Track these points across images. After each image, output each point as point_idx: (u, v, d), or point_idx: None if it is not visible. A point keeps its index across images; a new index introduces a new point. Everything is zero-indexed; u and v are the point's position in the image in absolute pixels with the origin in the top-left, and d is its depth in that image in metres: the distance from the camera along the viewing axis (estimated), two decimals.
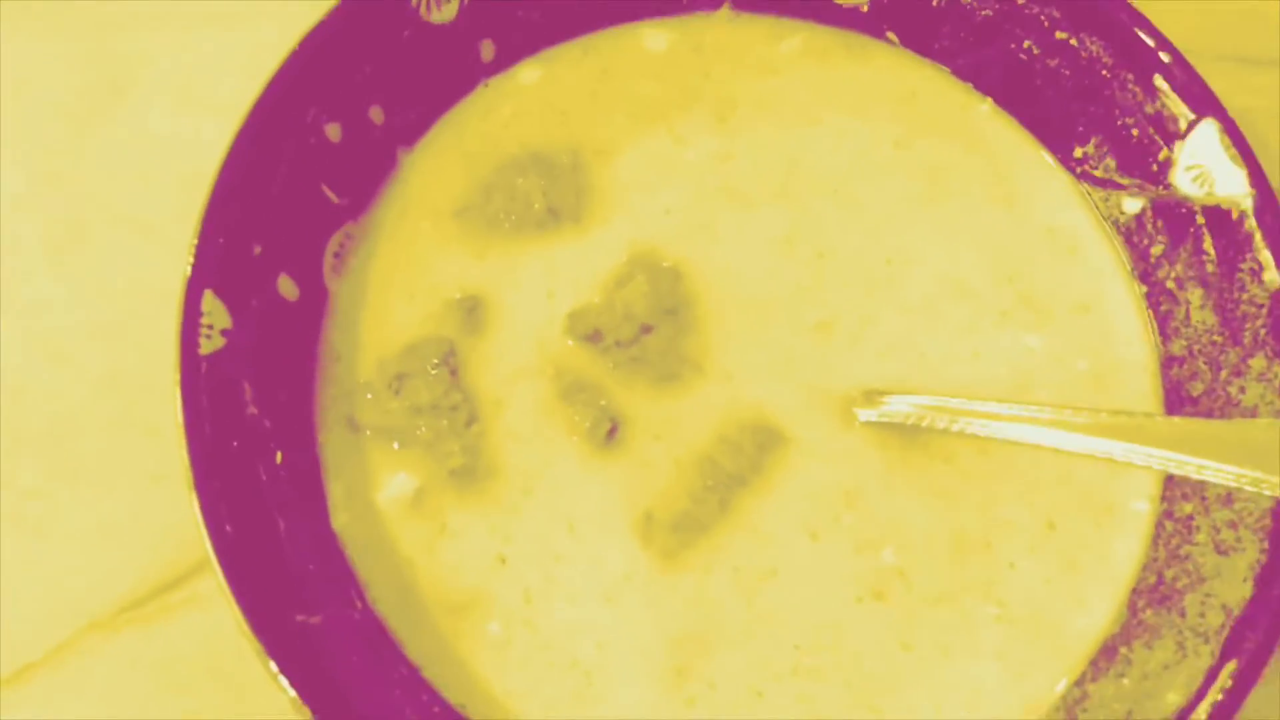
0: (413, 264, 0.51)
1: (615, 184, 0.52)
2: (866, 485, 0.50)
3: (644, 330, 0.49)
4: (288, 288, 0.49)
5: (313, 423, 0.50)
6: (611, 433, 0.48)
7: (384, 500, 0.49)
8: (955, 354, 0.52)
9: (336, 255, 0.52)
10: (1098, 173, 0.54)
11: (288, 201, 0.49)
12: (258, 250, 0.48)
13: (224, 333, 0.46)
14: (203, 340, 0.45)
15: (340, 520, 0.49)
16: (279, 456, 0.47)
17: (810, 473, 0.50)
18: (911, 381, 0.52)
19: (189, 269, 0.45)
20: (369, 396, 0.49)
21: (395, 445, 0.49)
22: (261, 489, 0.45)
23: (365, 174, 0.51)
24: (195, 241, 0.46)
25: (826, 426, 0.50)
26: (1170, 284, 0.51)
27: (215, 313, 0.46)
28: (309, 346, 0.50)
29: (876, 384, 0.51)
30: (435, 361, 0.49)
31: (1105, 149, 0.53)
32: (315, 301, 0.51)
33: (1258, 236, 0.48)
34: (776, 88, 0.55)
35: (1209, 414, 0.48)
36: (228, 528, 0.42)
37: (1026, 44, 0.54)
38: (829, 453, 0.50)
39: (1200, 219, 0.50)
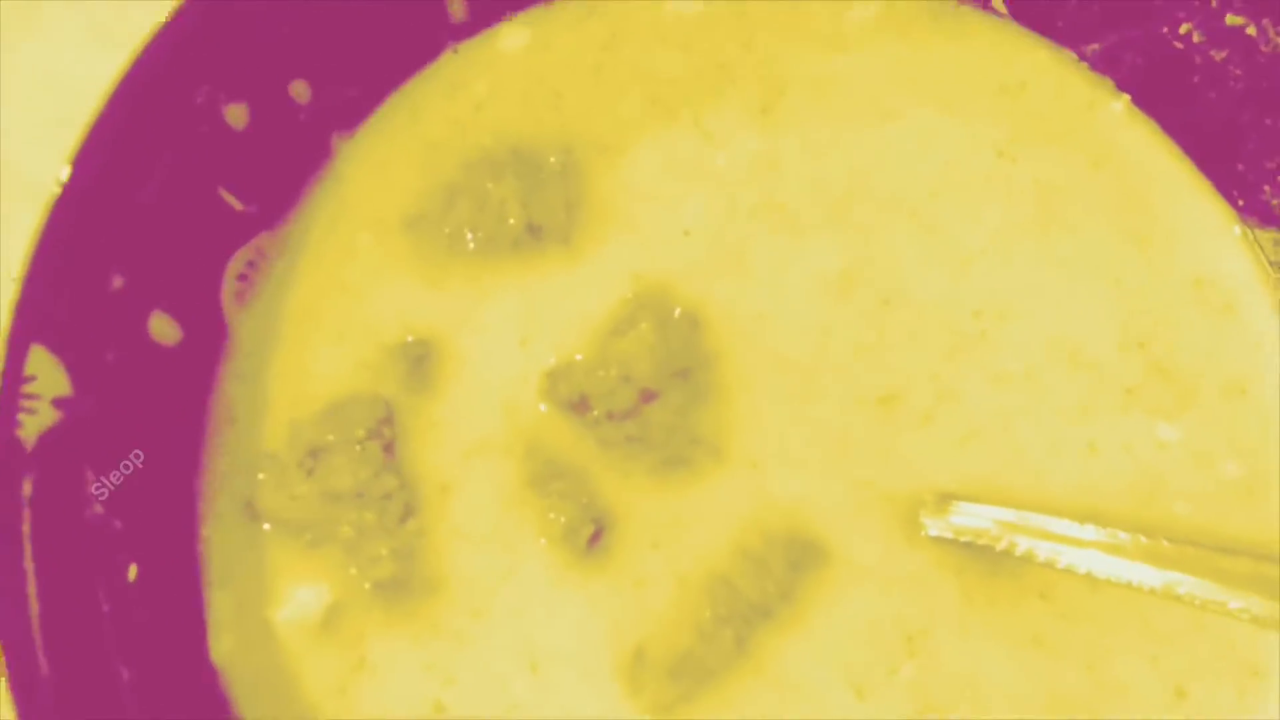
0: (344, 293, 0.42)
1: (619, 194, 0.42)
2: (935, 625, 0.39)
3: (645, 398, 0.40)
4: (163, 329, 0.39)
5: (193, 511, 0.39)
6: (595, 537, 0.39)
7: (284, 620, 0.39)
8: (1062, 446, 0.41)
9: (241, 278, 0.41)
10: (1275, 204, 0.41)
11: (167, 211, 0.38)
12: (118, 283, 0.37)
13: (58, 403, 0.34)
14: (24, 418, 0.32)
15: (223, 647, 0.39)
16: (131, 571, 0.36)
17: (859, 605, 0.39)
18: (1001, 482, 0.41)
19: (7, 317, 0.32)
20: (273, 474, 0.40)
21: (304, 544, 0.40)
22: (99, 626, 0.34)
23: (284, 171, 0.42)
24: (21, 274, 0.33)
25: (884, 541, 0.40)
26: None
27: (46, 376, 0.33)
28: (192, 406, 0.40)
29: (954, 485, 0.40)
30: (365, 430, 0.40)
31: None
32: (206, 344, 0.40)
33: None
34: (840, 69, 0.44)
35: None
36: (37, 694, 0.30)
37: (1184, 28, 0.42)
38: (886, 578, 0.40)
39: None
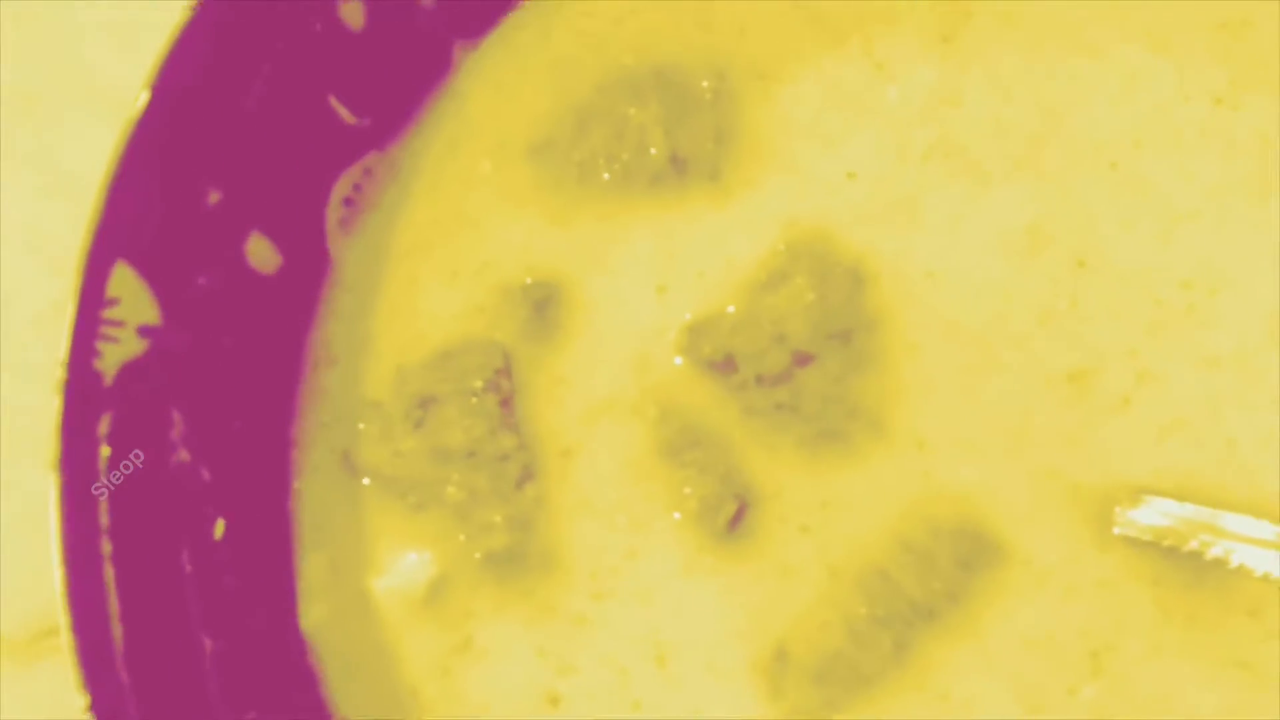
0: (460, 225, 0.38)
1: (776, 128, 0.38)
2: (1124, 641, 0.35)
3: (800, 361, 0.36)
4: (261, 254, 0.35)
5: (286, 462, 0.36)
6: (737, 517, 0.36)
7: (383, 590, 0.36)
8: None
9: (347, 203, 0.37)
10: None
11: (271, 119, 0.34)
12: (215, 197, 0.33)
13: (143, 331, 0.31)
14: (104, 346, 0.28)
15: (314, 616, 0.35)
16: (218, 528, 0.33)
17: (1038, 612, 0.35)
18: (1207, 479, 0.36)
19: (90, 230, 0.28)
20: (376, 426, 0.37)
21: (408, 506, 0.36)
22: (181, 588, 0.30)
23: (401, 82, 0.38)
24: (105, 181, 0.29)
25: (1070, 541, 0.35)
26: None
27: (131, 300, 0.29)
28: (290, 344, 0.36)
29: (1152, 480, 0.36)
30: (481, 381, 0.36)
31: None
32: (307, 275, 0.36)
33: None
34: None
35: None
36: (121, 674, 0.26)
37: None
38: (1070, 583, 0.35)
39: None
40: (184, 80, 0.32)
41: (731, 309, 0.37)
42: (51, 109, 0.43)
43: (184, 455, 0.32)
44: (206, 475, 0.32)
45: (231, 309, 0.34)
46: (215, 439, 0.33)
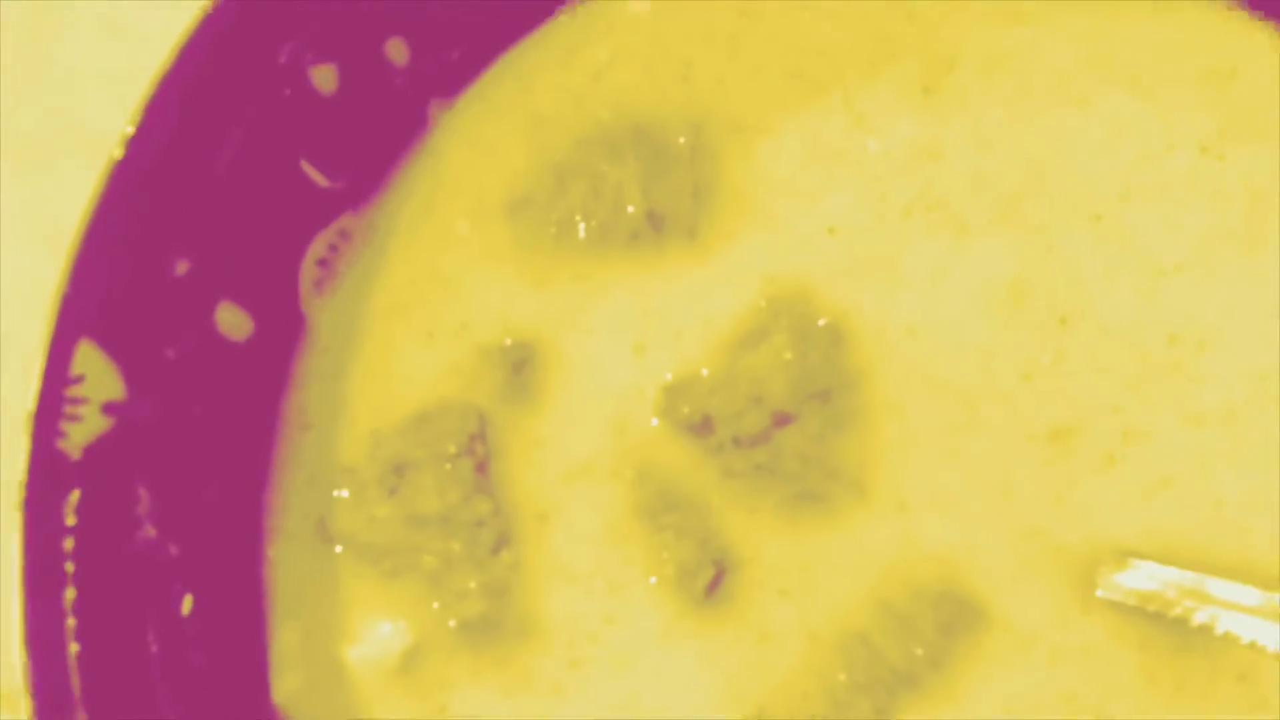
0: (437, 286, 0.37)
1: (754, 183, 0.38)
2: (1110, 708, 0.34)
3: (779, 421, 0.36)
4: (232, 321, 0.34)
5: (259, 530, 0.35)
6: (715, 581, 0.35)
7: (358, 659, 0.35)
8: (1271, 500, 0.35)
9: (322, 265, 0.37)
10: None
11: (242, 185, 0.34)
12: (183, 267, 0.32)
13: (109, 409, 0.29)
14: (68, 426, 0.28)
15: (287, 687, 0.35)
16: (186, 604, 0.32)
17: (1022, 679, 0.34)
18: (1195, 540, 0.35)
19: (54, 307, 0.28)
20: (351, 492, 0.36)
21: (382, 573, 0.36)
22: (147, 668, 0.29)
23: (375, 142, 0.37)
24: (70, 259, 0.29)
25: (1054, 604, 0.35)
26: None
27: (96, 377, 0.29)
28: (263, 411, 0.35)
29: (1138, 542, 0.35)
30: (456, 445, 0.36)
31: None
32: (280, 339, 0.36)
33: None
34: (1018, 44, 0.38)
35: None
36: None
37: None
38: (1055, 648, 0.35)
39: None
40: (151, 148, 0.31)
41: (706, 371, 0.36)
42: (47, 156, 0.43)
43: (150, 531, 0.31)
44: (174, 550, 0.32)
45: (201, 379, 0.33)
46: (184, 512, 0.32)
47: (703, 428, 0.35)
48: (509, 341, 0.37)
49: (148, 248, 0.32)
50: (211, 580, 0.33)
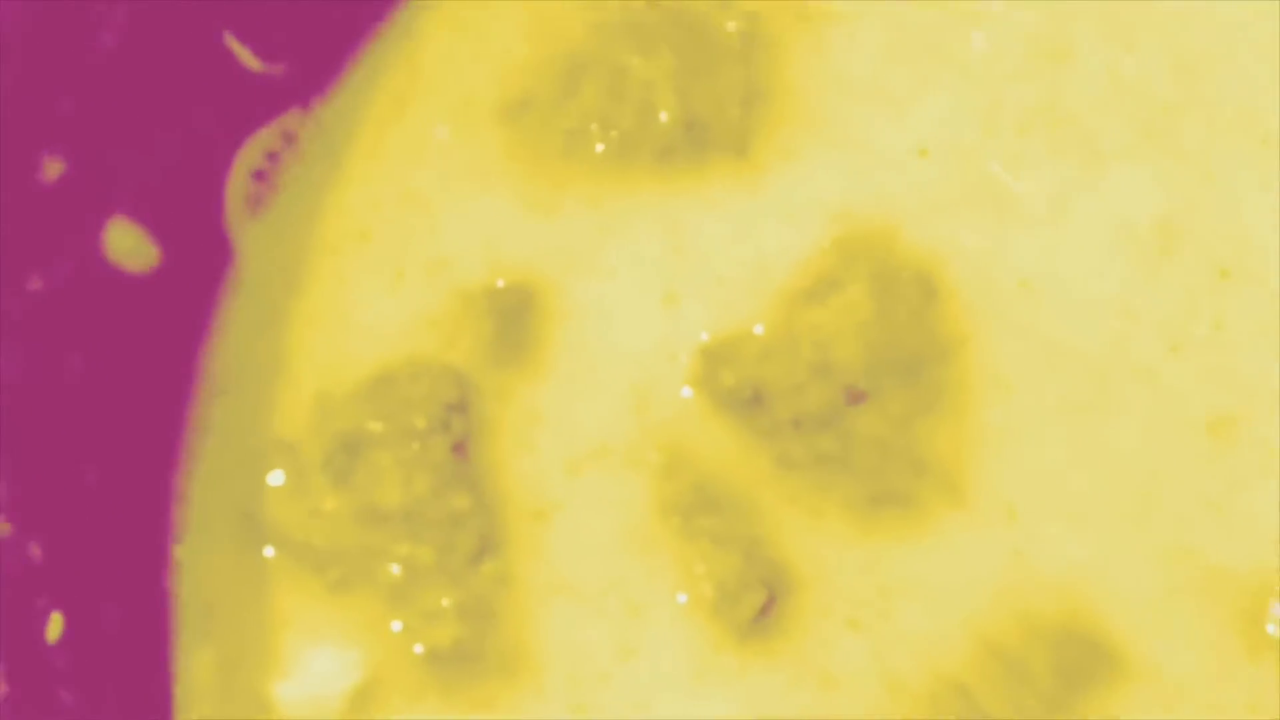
0: (408, 210, 0.34)
1: (823, 86, 0.34)
2: None
3: (852, 398, 0.32)
4: (127, 245, 0.29)
5: (164, 524, 0.30)
6: (765, 607, 0.31)
7: (290, 699, 0.31)
8: None
9: (257, 177, 0.32)
10: None
11: (141, 62, 0.28)
12: (53, 170, 0.26)
13: None
14: None
15: None
16: (53, 626, 0.26)
17: None
18: None
19: None
20: (287, 476, 0.32)
21: (327, 584, 0.32)
22: None
23: (331, 17, 0.33)
24: None
25: (1211, 645, 0.30)
26: None
27: None
28: (170, 366, 0.31)
29: None
30: (427, 419, 0.32)
31: None
32: (195, 273, 0.31)
33: None
34: None
35: None
36: None
37: None
38: (1212, 702, 0.30)
39: None
40: (10, 11, 0.25)
41: (761, 328, 0.32)
42: None
43: (3, 527, 0.25)
44: (36, 553, 0.26)
45: (81, 320, 0.28)
46: (52, 501, 0.26)
47: (752, 403, 0.32)
48: (500, 284, 0.33)
49: (5, 144, 0.26)
50: (91, 592, 0.27)
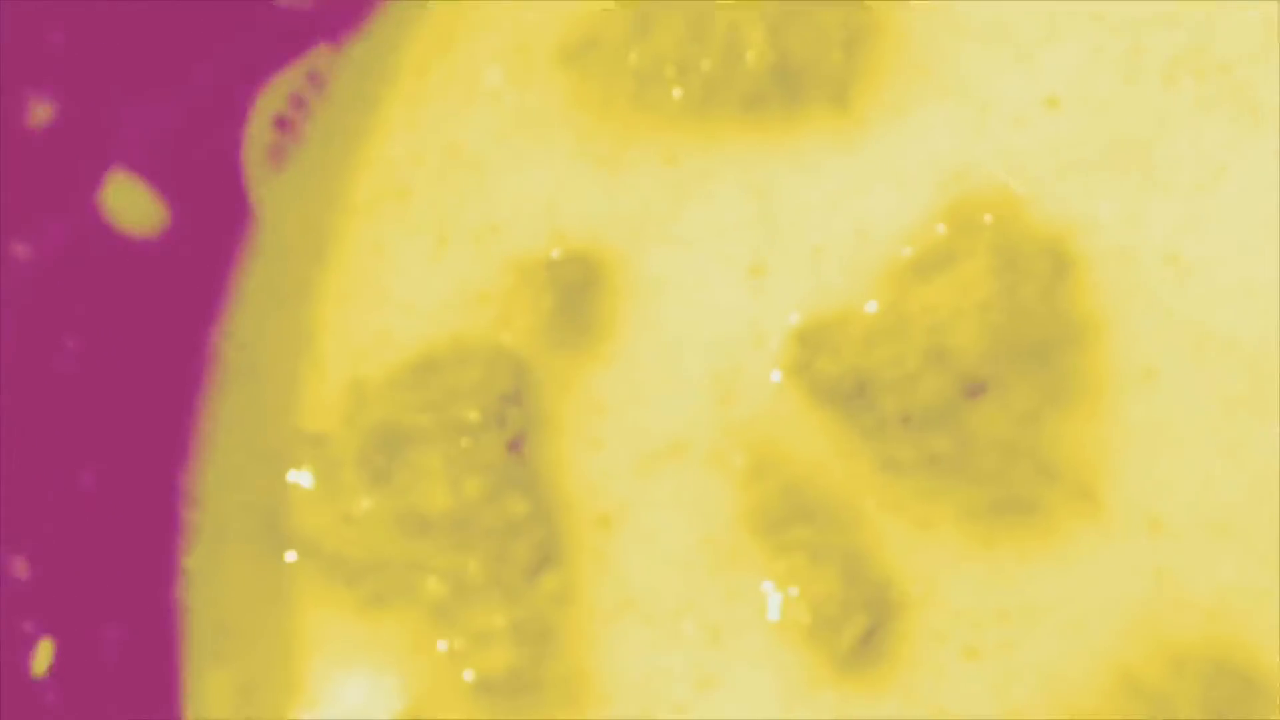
0: (454, 166, 0.31)
1: (936, 26, 0.31)
2: None
3: (971, 391, 0.29)
4: (130, 205, 0.27)
5: (171, 530, 0.27)
6: (870, 632, 0.28)
7: None
8: None
9: (280, 126, 0.30)
10: None
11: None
12: (41, 114, 0.24)
13: None
14: None
15: None
16: (40, 656, 0.23)
17: None
18: None
19: None
20: (316, 475, 0.30)
21: (361, 599, 0.29)
22: None
23: None
24: None
25: None
26: None
27: None
28: (179, 346, 0.28)
29: None
30: (480, 410, 0.30)
31: None
32: (209, 236, 0.29)
33: None
34: None
35: None
36: None
37: None
38: None
39: None
40: None
41: (872, 305, 0.29)
42: None
43: None
44: (21, 568, 0.23)
45: (76, 293, 0.25)
46: (41, 506, 0.23)
47: (853, 396, 0.29)
48: (559, 254, 0.30)
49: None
50: (85, 614, 0.24)
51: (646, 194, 0.30)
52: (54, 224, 0.24)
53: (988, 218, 0.29)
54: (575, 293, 0.30)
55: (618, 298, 0.29)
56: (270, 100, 0.29)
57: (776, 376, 0.29)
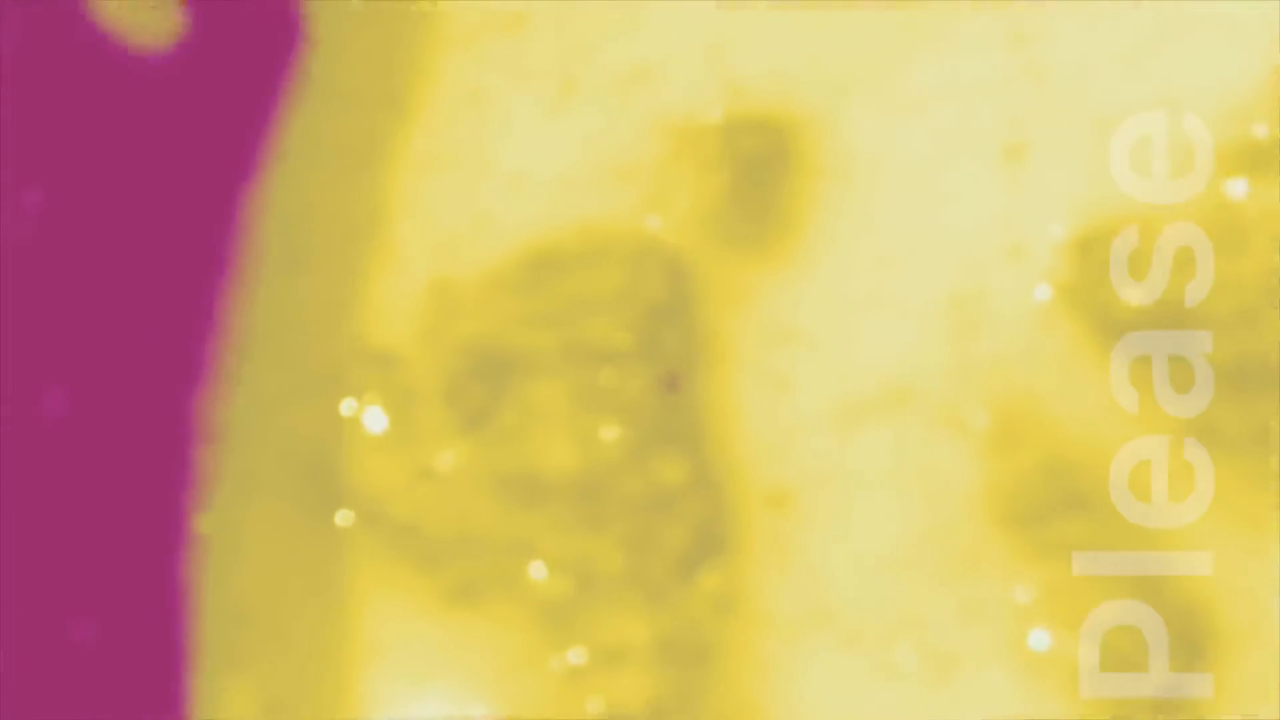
0: None
1: None
2: None
3: None
4: (128, 3, 0.18)
5: (182, 476, 0.20)
6: (1180, 677, 0.20)
7: None
8: None
9: None
10: None
11: None
12: None
13: None
14: None
15: None
16: None
17: None
18: None
19: None
20: (384, 409, 0.22)
21: (443, 588, 0.22)
22: None
23: None
24: None
25: None
26: None
27: None
28: (195, 219, 0.20)
29: None
30: (628, 332, 0.22)
31: None
32: (237, 57, 0.21)
33: None
34: None
35: None
36: None
37: None
38: None
39: None
40: None
41: (1181, 199, 0.21)
42: None
43: None
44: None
45: (44, 118, 0.17)
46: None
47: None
48: (732, 115, 0.22)
49: None
50: (64, 597, 0.17)
51: (858, 34, 0.22)
52: (28, 23, 0.16)
53: None
54: (756, 170, 0.22)
55: (815, 181, 0.22)
56: None
57: (1042, 296, 0.21)
